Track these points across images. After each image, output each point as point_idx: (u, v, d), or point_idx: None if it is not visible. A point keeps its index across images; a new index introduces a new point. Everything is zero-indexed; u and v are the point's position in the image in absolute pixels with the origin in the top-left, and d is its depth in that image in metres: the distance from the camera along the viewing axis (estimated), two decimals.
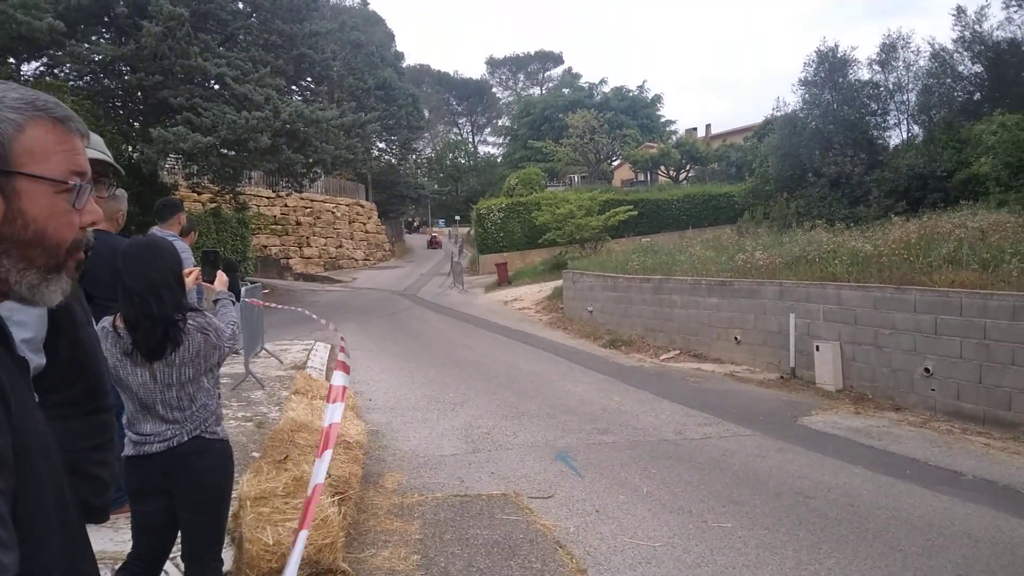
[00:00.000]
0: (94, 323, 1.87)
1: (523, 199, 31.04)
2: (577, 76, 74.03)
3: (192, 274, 3.26)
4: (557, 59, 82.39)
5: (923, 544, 4.28)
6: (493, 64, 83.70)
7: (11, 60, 18.20)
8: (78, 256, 1.02)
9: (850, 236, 10.78)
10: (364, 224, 42.56)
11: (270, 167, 21.62)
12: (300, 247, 34.77)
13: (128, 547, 2.83)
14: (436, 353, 12.13)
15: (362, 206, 42.83)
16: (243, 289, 8.84)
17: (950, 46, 17.98)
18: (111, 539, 3.75)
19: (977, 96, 17.76)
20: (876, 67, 18.89)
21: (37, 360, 1.56)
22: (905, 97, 18.89)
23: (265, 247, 31.76)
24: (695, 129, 54.24)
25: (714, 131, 52.88)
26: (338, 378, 3.47)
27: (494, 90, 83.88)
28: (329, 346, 12.16)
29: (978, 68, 17.87)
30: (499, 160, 65.42)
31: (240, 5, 22.00)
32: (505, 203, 31.83)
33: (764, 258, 10.72)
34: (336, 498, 3.77)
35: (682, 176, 42.22)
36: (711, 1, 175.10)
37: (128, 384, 2.59)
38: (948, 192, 15.10)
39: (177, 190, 22.67)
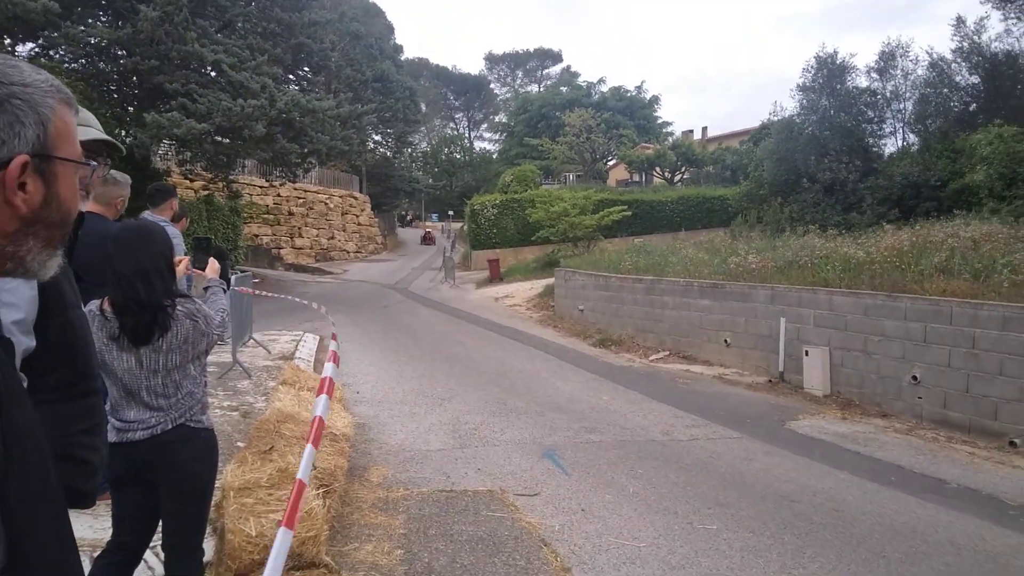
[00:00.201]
0: (83, 306, 1.84)
1: (517, 196, 30.99)
2: (575, 75, 74.01)
3: (182, 263, 3.23)
4: (556, 57, 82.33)
5: (906, 551, 4.29)
6: (492, 60, 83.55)
7: (7, 40, 18.01)
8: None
9: (843, 242, 10.80)
10: (357, 216, 42.42)
11: (264, 156, 21.51)
12: (292, 237, 34.62)
13: (108, 535, 2.80)
14: (426, 347, 12.10)
15: (355, 198, 42.67)
16: (233, 277, 8.79)
17: (948, 56, 18.07)
18: (90, 526, 3.71)
19: (973, 107, 17.84)
20: (874, 75, 18.97)
21: (28, 342, 1.53)
22: (902, 106, 18.97)
23: (256, 236, 31.60)
24: (691, 131, 54.28)
25: (710, 134, 52.96)
26: (327, 369, 3.44)
27: (492, 86, 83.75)
28: (318, 337, 12.10)
29: (975, 79, 17.95)
30: (495, 156, 65.32)
31: None
32: (499, 199, 31.77)
33: (757, 262, 10.74)
34: (321, 491, 3.74)
35: (677, 178, 42.26)
36: (711, 3, 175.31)
37: (113, 369, 2.55)
38: (941, 201, 15.16)
39: (170, 176, 22.53)
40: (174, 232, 5.27)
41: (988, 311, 7.00)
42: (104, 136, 2.30)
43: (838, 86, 18.66)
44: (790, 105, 23.96)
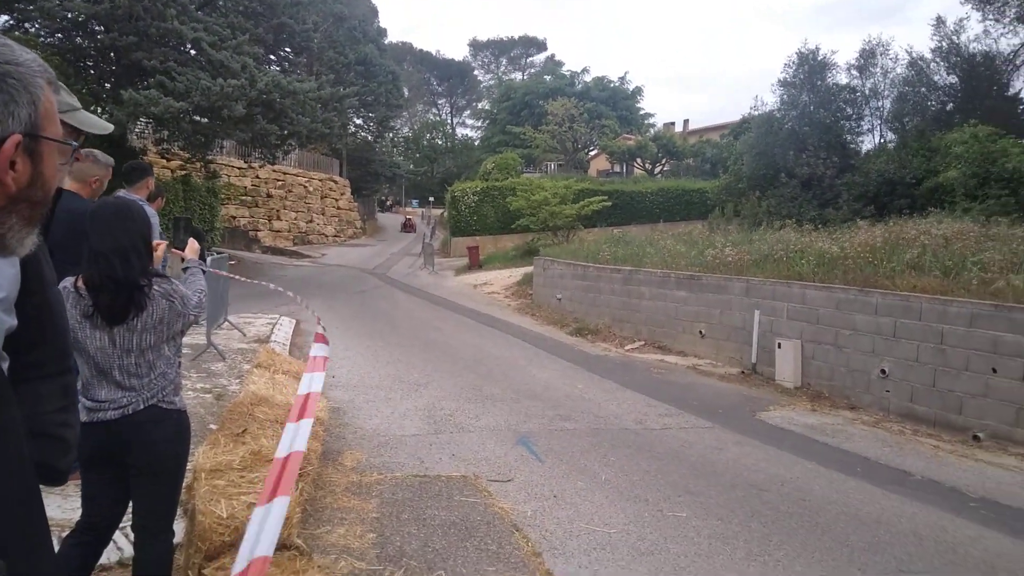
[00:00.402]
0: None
1: (498, 184, 30.94)
2: (559, 64, 73.84)
3: (160, 247, 3.19)
4: (540, 45, 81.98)
5: (870, 540, 4.39)
6: (476, 46, 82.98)
7: None
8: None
9: (818, 237, 10.94)
10: (336, 200, 42.08)
11: (243, 137, 21.23)
12: (270, 220, 34.27)
13: (77, 515, 2.78)
14: (403, 333, 12.08)
15: (335, 182, 42.32)
16: (208, 259, 8.70)
17: (928, 55, 18.32)
18: (59, 506, 3.68)
19: (950, 106, 18.12)
20: (854, 72, 19.20)
21: (10, 321, 1.52)
22: (880, 103, 19.23)
23: (234, 218, 31.24)
24: (673, 123, 54.44)
25: (692, 126, 53.17)
26: (319, 349, 3.45)
27: (476, 73, 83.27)
28: (294, 321, 12.04)
29: (953, 79, 18.24)
30: (477, 143, 65.13)
31: None
32: (480, 187, 31.69)
33: (733, 255, 10.84)
34: None
35: (657, 170, 42.42)
36: None
37: (85, 347, 2.52)
38: (915, 199, 15.41)
39: (146, 155, 22.15)
40: (151, 212, 5.20)
41: (957, 308, 7.14)
42: (98, 128, 2.27)
43: (819, 82, 18.85)
44: (771, 100, 24.24)
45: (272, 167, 32.07)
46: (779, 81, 19.60)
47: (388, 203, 68.01)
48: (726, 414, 7.57)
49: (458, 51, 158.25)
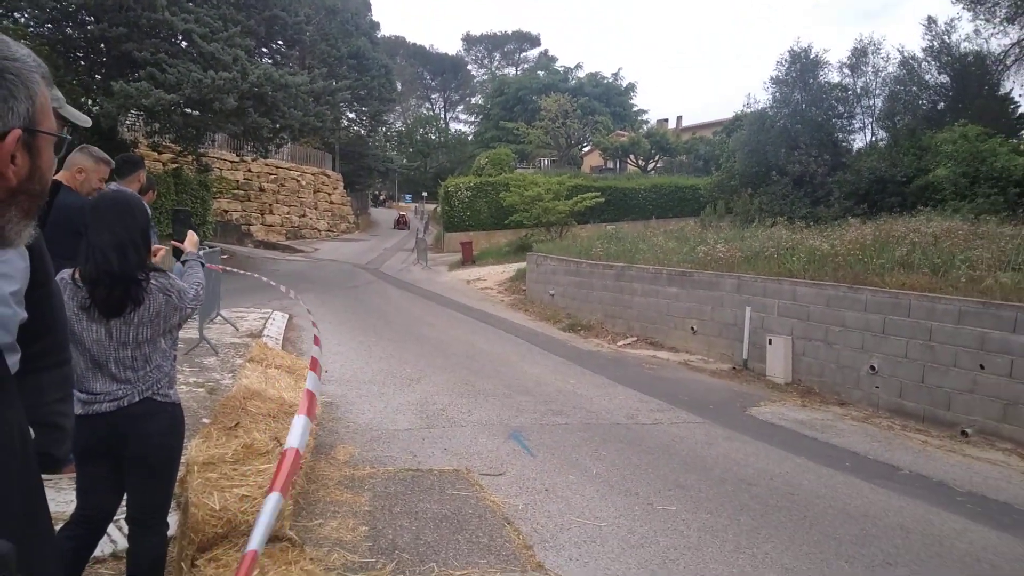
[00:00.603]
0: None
1: (492, 179, 30.91)
2: (553, 59, 73.70)
3: (159, 252, 3.19)
4: (534, 40, 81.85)
5: (857, 533, 4.44)
6: (469, 41, 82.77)
7: None
8: None
9: (809, 234, 11.01)
10: (329, 194, 41.94)
11: (235, 130, 21.15)
12: (262, 214, 34.12)
13: (71, 508, 2.79)
14: (396, 328, 12.09)
15: (328, 176, 42.17)
16: (200, 253, 8.71)
17: (919, 54, 18.40)
18: (53, 499, 3.67)
19: (941, 106, 18.21)
20: (846, 70, 19.24)
21: (22, 313, 1.54)
22: (872, 102, 19.28)
23: (226, 212, 31.09)
24: (666, 120, 54.47)
25: (685, 123, 53.24)
26: (315, 352, 3.48)
27: (469, 67, 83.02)
28: (287, 316, 12.03)
29: (944, 78, 18.32)
30: (470, 138, 64.93)
31: None
32: (473, 182, 31.66)
33: (724, 251, 10.90)
34: None
35: (651, 166, 42.47)
36: None
37: (82, 339, 2.52)
38: (906, 197, 15.49)
39: (137, 147, 22.04)
40: None
41: (945, 305, 7.21)
42: (79, 121, 2.28)
43: (810, 80, 18.90)
44: (763, 98, 24.26)
45: (264, 161, 31.94)
46: (771, 79, 19.65)
47: (381, 198, 67.86)
48: (717, 410, 7.62)
49: (451, 45, 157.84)
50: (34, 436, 1.42)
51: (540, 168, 43.87)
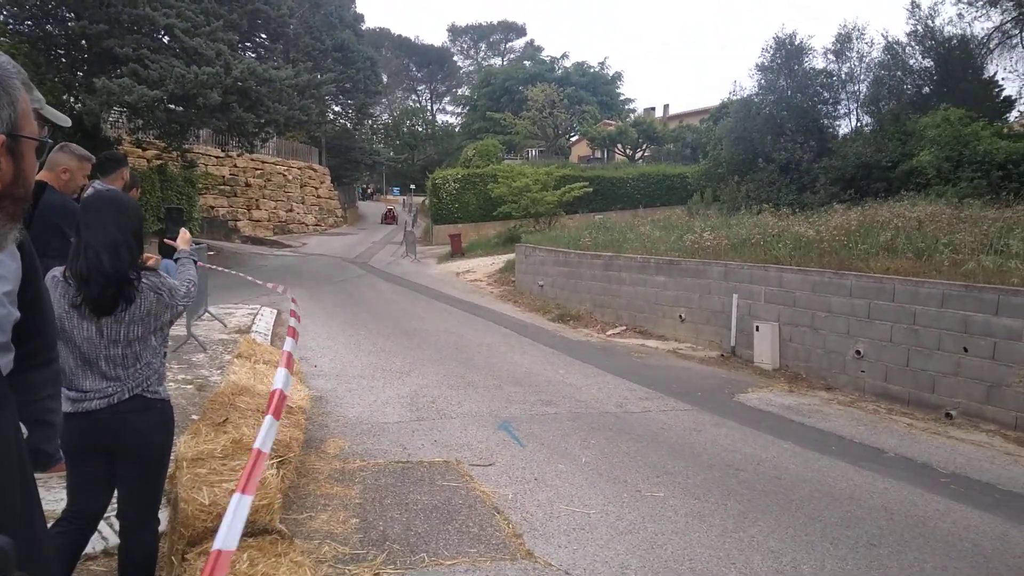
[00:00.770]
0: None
1: (480, 171, 30.87)
2: (539, 49, 73.46)
3: (150, 261, 3.20)
4: (520, 30, 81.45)
5: (842, 515, 4.51)
6: (455, 32, 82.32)
7: None
8: None
9: (794, 221, 11.07)
10: (316, 189, 41.77)
11: (220, 125, 21.00)
12: (249, 209, 33.96)
13: (60, 506, 2.80)
14: (385, 322, 12.09)
15: (315, 170, 41.99)
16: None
17: (903, 39, 18.47)
18: (43, 498, 3.67)
19: (926, 90, 18.31)
20: (831, 56, 19.29)
21: (16, 312, 1.56)
22: (857, 87, 19.35)
23: (213, 208, 30.94)
24: (653, 108, 54.50)
25: (672, 111, 53.28)
26: (287, 344, 3.48)
27: (455, 58, 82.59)
28: (276, 311, 12.01)
29: (928, 63, 18.41)
30: (457, 130, 64.73)
31: None
32: (461, 174, 31.61)
33: (711, 239, 10.95)
34: (275, 461, 3.78)
35: (638, 155, 42.49)
36: None
37: (72, 337, 2.53)
38: (891, 182, 15.59)
39: (121, 145, 21.86)
40: None
41: (928, 288, 7.29)
42: (59, 120, 2.28)
43: (796, 67, 18.94)
44: (749, 85, 24.31)
45: (250, 156, 31.76)
46: (757, 66, 19.67)
47: (369, 191, 67.52)
48: (705, 397, 7.69)
49: (437, 37, 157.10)
50: (26, 433, 1.44)
51: (528, 159, 43.83)
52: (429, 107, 79.53)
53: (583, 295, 13.43)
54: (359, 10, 53.28)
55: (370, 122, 57.88)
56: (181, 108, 19.38)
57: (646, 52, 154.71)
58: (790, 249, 9.46)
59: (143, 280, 2.57)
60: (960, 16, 18.08)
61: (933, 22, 18.15)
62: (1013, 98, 18.43)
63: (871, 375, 7.85)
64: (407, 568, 3.60)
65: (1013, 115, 18.45)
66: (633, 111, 54.47)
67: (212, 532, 2.94)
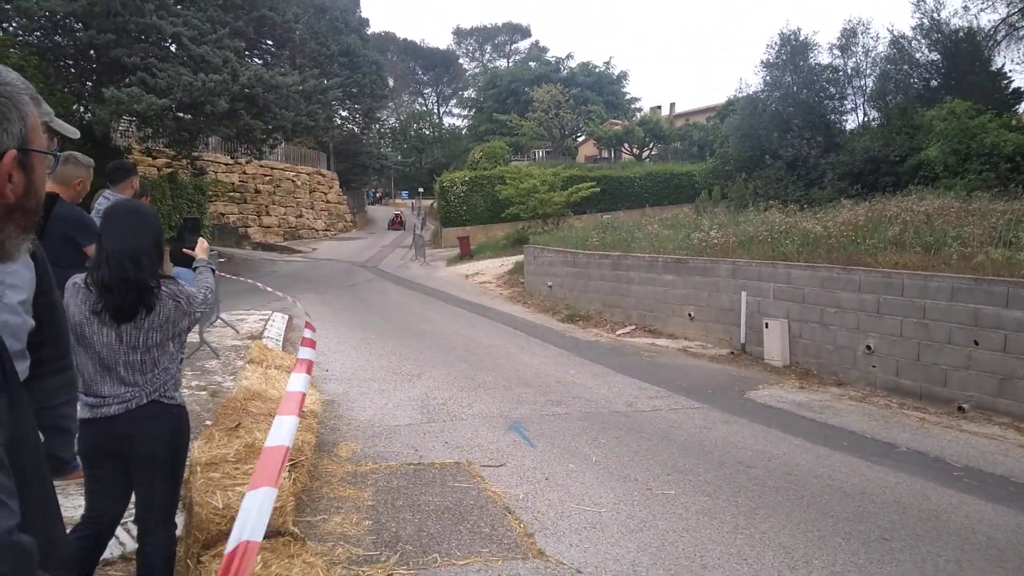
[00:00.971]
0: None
1: (487, 173, 30.93)
2: (544, 50, 73.58)
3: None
4: (525, 32, 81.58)
5: (854, 510, 4.51)
6: (460, 34, 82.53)
7: None
8: None
9: (802, 217, 11.05)
10: (325, 194, 41.97)
11: (228, 132, 21.14)
12: (259, 216, 34.16)
13: (77, 512, 2.85)
14: (395, 325, 12.15)
15: (323, 175, 42.19)
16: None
17: (909, 33, 18.38)
18: (61, 504, 3.72)
19: (933, 83, 18.20)
20: (836, 51, 19.22)
21: (30, 321, 1.61)
22: (863, 82, 19.27)
23: (223, 215, 31.14)
24: (659, 107, 54.43)
25: (678, 110, 53.16)
26: (305, 352, 3.54)
27: (461, 61, 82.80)
28: (287, 317, 12.08)
29: (935, 56, 18.30)
30: (464, 132, 64.88)
31: None
32: (469, 176, 31.68)
33: (719, 237, 10.94)
34: (288, 464, 3.81)
35: (645, 154, 42.44)
36: None
37: (91, 343, 2.58)
38: (900, 176, 15.51)
39: (131, 153, 22.06)
40: None
41: (938, 282, 7.26)
42: (68, 132, 2.33)
43: (801, 63, 18.88)
44: (755, 81, 24.26)
45: (259, 162, 31.96)
46: (762, 62, 19.62)
47: (378, 195, 67.65)
48: (715, 394, 7.68)
49: (442, 39, 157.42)
50: (44, 440, 1.48)
51: (535, 160, 43.88)
52: (435, 110, 79.76)
53: (592, 295, 13.44)
54: (364, 15, 53.33)
55: (377, 126, 58.13)
56: (189, 116, 19.54)
57: (651, 51, 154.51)
58: (798, 245, 9.44)
59: (162, 288, 2.63)
60: (966, 8, 17.98)
61: (939, 15, 18.07)
62: (1022, 90, 18.28)
63: (882, 370, 7.82)
64: (420, 569, 3.63)
65: (1022, 107, 18.31)
66: (639, 110, 54.42)
67: (226, 535, 2.98)
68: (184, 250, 3.70)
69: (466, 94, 75.93)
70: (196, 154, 24.28)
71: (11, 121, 1.01)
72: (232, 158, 29.86)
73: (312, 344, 4.13)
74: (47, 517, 1.10)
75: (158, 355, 2.65)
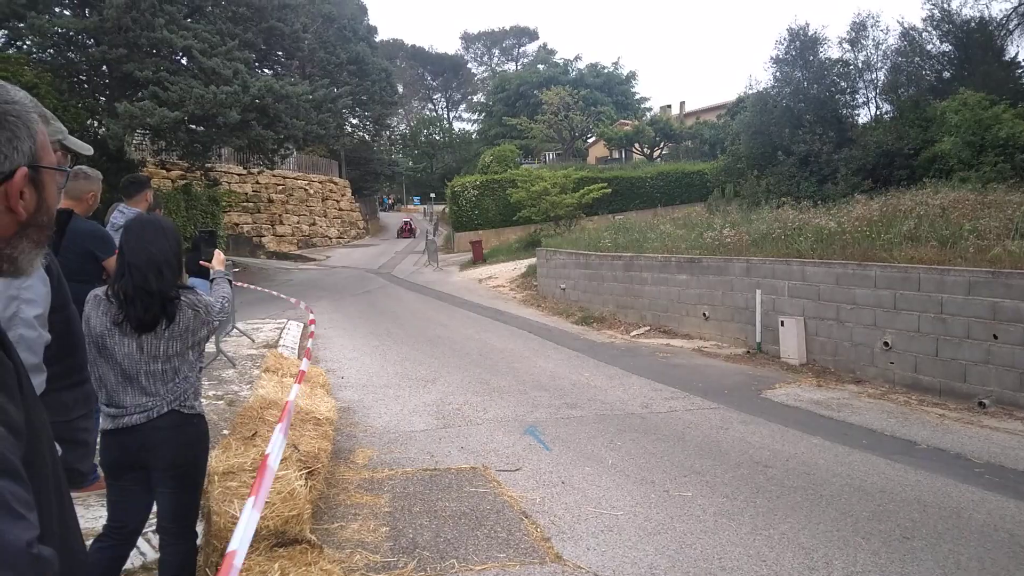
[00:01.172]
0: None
1: (498, 176, 30.98)
2: (552, 52, 73.54)
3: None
4: (532, 35, 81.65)
5: (874, 509, 4.46)
6: (468, 39, 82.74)
7: None
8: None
9: (815, 214, 10.98)
10: (338, 201, 42.18)
11: (240, 143, 21.34)
12: (273, 225, 34.40)
13: (99, 524, 2.88)
14: (409, 331, 12.18)
15: (335, 183, 42.41)
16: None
17: (919, 25, 18.24)
18: (82, 516, 3.77)
19: (946, 75, 18.04)
20: (846, 45, 19.11)
21: (46, 335, 1.64)
22: (874, 75, 19.14)
23: (237, 225, 31.39)
24: (669, 106, 54.23)
25: (688, 108, 52.93)
26: (302, 364, 3.56)
27: (469, 66, 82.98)
28: (302, 324, 12.14)
29: (947, 47, 18.15)
30: (474, 137, 64.96)
31: None
32: (480, 180, 31.74)
33: (732, 235, 10.89)
34: (304, 472, 3.84)
35: (656, 154, 42.35)
36: None
37: (113, 353, 2.62)
38: (914, 170, 15.38)
39: (145, 166, 22.30)
40: None
41: (954, 276, 7.19)
42: (81, 149, 2.37)
43: (811, 58, 18.79)
44: (764, 78, 24.11)
45: (271, 172, 32.20)
46: (771, 58, 19.55)
47: (390, 202, 67.79)
48: (732, 394, 7.64)
49: (450, 45, 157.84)
50: (61, 452, 1.50)
51: (545, 162, 43.88)
52: (445, 115, 79.97)
53: (606, 297, 13.41)
54: (372, 22, 53.83)
55: (388, 133, 58.34)
56: (202, 128, 19.75)
57: (660, 50, 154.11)
58: (812, 242, 9.37)
59: (182, 297, 2.68)
60: None
61: (949, 5, 17.94)
62: None
63: (900, 366, 7.75)
64: (437, 575, 3.64)
65: None
66: (649, 110, 54.36)
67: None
68: (201, 262, 3.75)
69: (475, 98, 76.17)
70: (209, 165, 24.53)
71: (20, 139, 1.03)
72: (245, 168, 30.11)
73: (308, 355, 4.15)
74: (65, 529, 1.11)
75: (179, 364, 2.69)
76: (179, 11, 19.66)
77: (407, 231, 43.02)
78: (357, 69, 42.41)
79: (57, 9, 19.36)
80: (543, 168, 32.49)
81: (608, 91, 53.93)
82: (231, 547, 1.74)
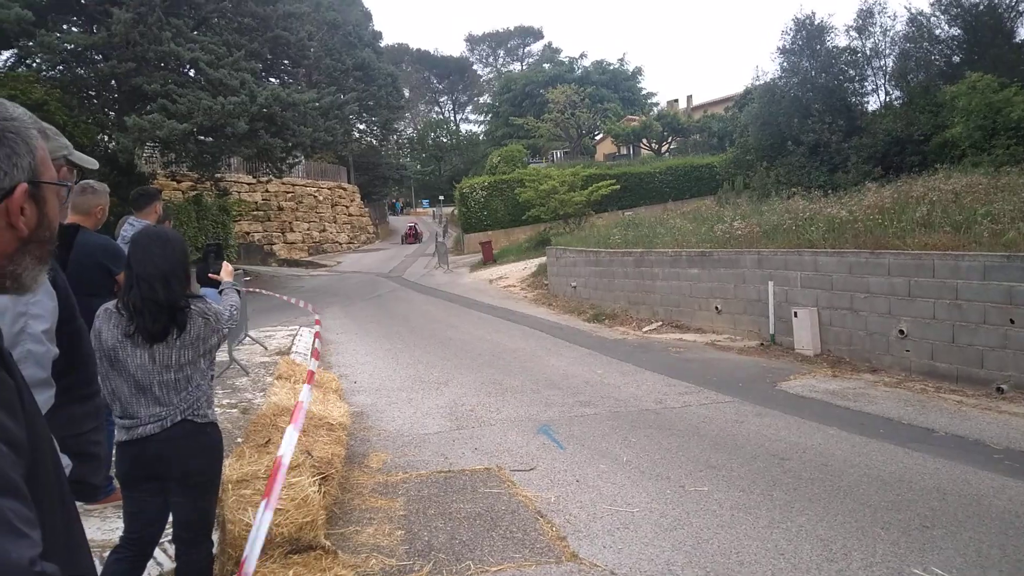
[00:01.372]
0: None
1: (506, 176, 30.98)
2: (557, 51, 73.51)
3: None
4: (537, 34, 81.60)
5: (893, 499, 4.41)
6: (473, 41, 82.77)
7: None
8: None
9: (826, 203, 10.88)
10: (347, 207, 42.35)
11: (249, 152, 21.48)
12: (283, 232, 34.59)
13: (115, 535, 2.90)
14: (421, 334, 12.19)
15: (344, 189, 42.58)
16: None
17: (927, 10, 18.03)
18: (99, 528, 3.81)
19: (956, 59, 17.83)
20: (853, 33, 18.92)
21: (54, 349, 1.65)
22: (883, 62, 18.93)
23: (248, 234, 31.58)
24: (676, 100, 53.95)
25: (696, 101, 52.66)
26: (310, 364, 3.57)
27: (475, 67, 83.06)
28: (314, 331, 12.18)
29: (955, 31, 17.93)
30: (481, 138, 65.01)
31: None
32: (488, 181, 31.76)
33: (742, 228, 10.82)
34: (317, 478, 3.85)
35: (664, 148, 42.16)
36: None
37: (126, 365, 2.64)
38: (926, 156, 15.21)
39: (155, 178, 22.49)
40: None
41: (969, 262, 7.10)
42: (87, 164, 2.39)
43: (818, 47, 18.62)
44: (772, 69, 23.99)
45: (281, 180, 32.36)
46: (778, 49, 19.40)
47: (400, 206, 67.91)
48: (746, 387, 7.59)
49: (455, 47, 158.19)
50: (73, 466, 1.50)
51: (553, 161, 43.84)
52: (452, 117, 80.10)
53: (617, 293, 13.37)
54: (377, 28, 53.77)
55: (395, 137, 58.52)
56: (211, 139, 19.89)
57: (665, 45, 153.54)
58: (823, 232, 9.29)
59: (191, 306, 2.69)
60: None
61: None
62: None
63: (916, 354, 7.66)
64: None
65: None
66: (656, 105, 54.17)
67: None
68: (210, 275, 3.79)
69: (481, 100, 76.20)
70: (219, 176, 24.69)
71: (20, 155, 1.03)
72: (254, 177, 30.30)
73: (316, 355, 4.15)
74: (71, 546, 1.11)
75: (191, 372, 2.71)
76: (186, 24, 19.81)
77: (412, 236, 42.27)
78: (363, 75, 42.56)
79: (65, 26, 19.57)
80: (551, 167, 32.48)
81: (614, 87, 53.79)
82: (245, 552, 1.74)
